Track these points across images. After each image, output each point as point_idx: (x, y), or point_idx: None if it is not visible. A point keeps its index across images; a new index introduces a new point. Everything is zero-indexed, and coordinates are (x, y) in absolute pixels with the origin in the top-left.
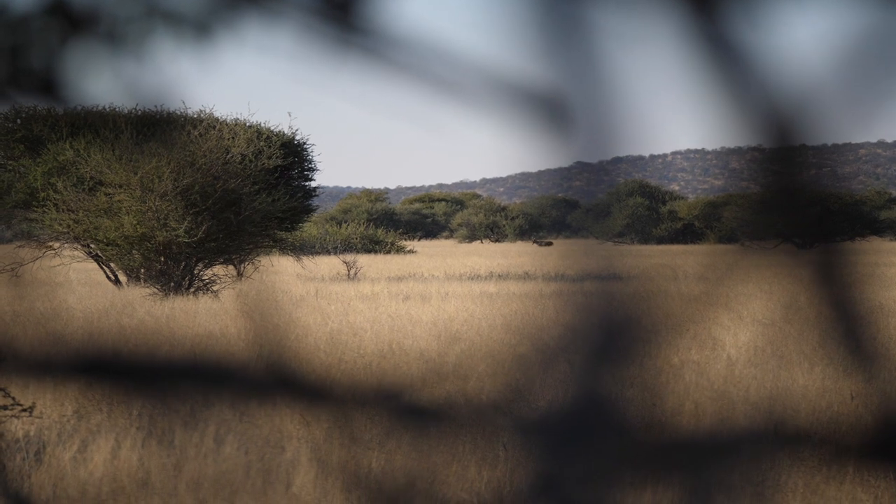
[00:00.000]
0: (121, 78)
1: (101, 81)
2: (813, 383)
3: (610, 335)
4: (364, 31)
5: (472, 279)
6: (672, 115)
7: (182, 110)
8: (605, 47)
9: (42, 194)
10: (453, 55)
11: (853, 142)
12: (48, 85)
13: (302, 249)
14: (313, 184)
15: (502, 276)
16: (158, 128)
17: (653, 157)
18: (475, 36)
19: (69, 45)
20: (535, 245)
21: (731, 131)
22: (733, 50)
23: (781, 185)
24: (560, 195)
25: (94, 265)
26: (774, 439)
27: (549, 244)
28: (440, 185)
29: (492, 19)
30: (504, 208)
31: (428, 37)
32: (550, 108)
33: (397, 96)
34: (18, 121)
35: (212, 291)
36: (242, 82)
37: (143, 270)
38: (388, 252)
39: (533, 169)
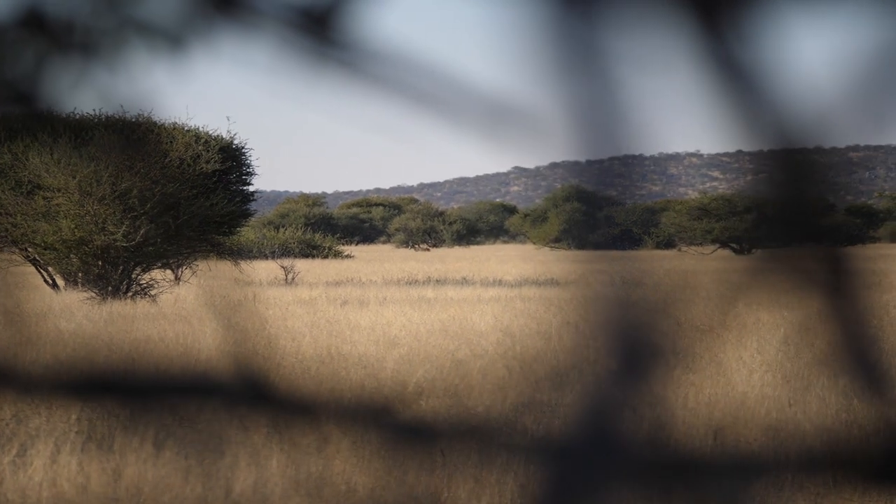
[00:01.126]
0: (95, 88)
1: (75, 92)
2: (819, 402)
3: (543, 341)
4: (342, 45)
5: (410, 284)
6: (683, 135)
7: (120, 114)
8: (611, 67)
9: None
10: (431, 68)
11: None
12: (22, 96)
13: (240, 254)
14: (251, 188)
15: (440, 282)
16: (97, 132)
17: (589, 162)
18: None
19: (43, 56)
20: (413, 251)
21: (750, 162)
22: (744, 71)
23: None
24: (498, 200)
25: (32, 269)
26: (784, 461)
27: (427, 250)
28: (377, 190)
29: (501, 43)
30: (441, 213)
31: (406, 49)
32: (531, 119)
33: (374, 109)
34: None
35: (150, 296)
36: (218, 93)
37: (80, 275)
38: (326, 257)
39: (471, 174)
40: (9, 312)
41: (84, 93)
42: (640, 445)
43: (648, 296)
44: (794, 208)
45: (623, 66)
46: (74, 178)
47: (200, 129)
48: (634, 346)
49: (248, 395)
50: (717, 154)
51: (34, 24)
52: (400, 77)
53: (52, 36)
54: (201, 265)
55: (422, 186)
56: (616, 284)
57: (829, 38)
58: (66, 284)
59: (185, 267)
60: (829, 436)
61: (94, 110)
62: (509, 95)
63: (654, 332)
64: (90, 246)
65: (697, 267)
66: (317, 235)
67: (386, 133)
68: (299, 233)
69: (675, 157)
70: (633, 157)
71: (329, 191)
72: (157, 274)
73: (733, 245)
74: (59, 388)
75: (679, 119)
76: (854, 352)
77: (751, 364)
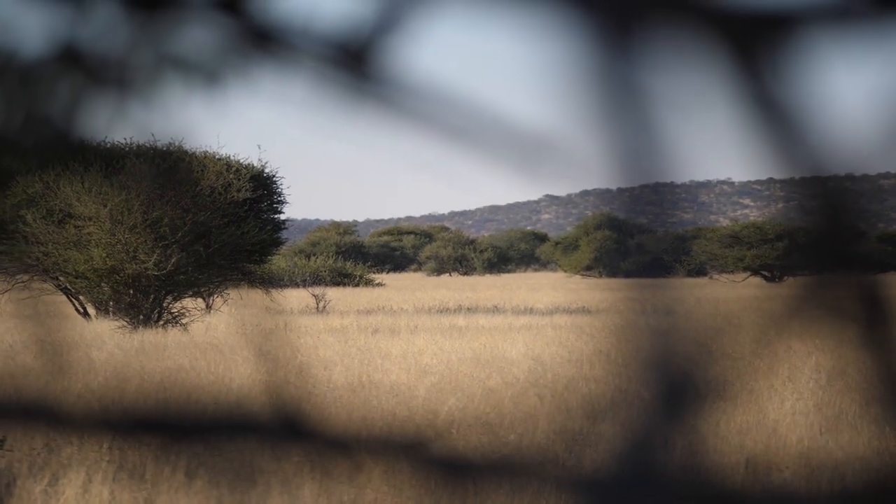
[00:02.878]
0: (131, 123)
1: (112, 126)
2: (851, 431)
3: (573, 369)
4: (378, 80)
5: (441, 312)
6: (714, 162)
7: (151, 143)
8: (647, 104)
9: (11, 227)
10: (464, 102)
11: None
12: (59, 132)
13: (271, 282)
14: (282, 216)
15: (471, 310)
16: (128, 160)
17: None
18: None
19: (80, 92)
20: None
21: (781, 189)
22: (781, 110)
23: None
24: (529, 228)
25: (64, 298)
26: (816, 490)
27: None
28: (409, 218)
29: (537, 79)
30: (472, 241)
31: (440, 85)
32: (563, 152)
33: (408, 142)
34: None
35: (181, 325)
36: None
37: (112, 303)
38: (357, 285)
39: (502, 202)
40: (41, 341)
41: (120, 127)
42: (671, 475)
43: (680, 324)
44: (826, 236)
45: (659, 103)
46: (106, 206)
47: (232, 157)
48: (667, 376)
49: (281, 424)
50: (749, 182)
51: (71, 59)
52: (434, 111)
53: (88, 71)
54: (232, 293)
55: (453, 214)
56: (648, 313)
57: (866, 74)
58: (97, 313)
59: (216, 295)
60: (861, 464)
61: (125, 139)
62: (541, 128)
63: (687, 362)
64: (121, 274)
65: (729, 295)
66: (348, 264)
67: (421, 167)
68: (330, 261)
69: (707, 185)
70: (664, 184)
71: (360, 219)
72: (188, 302)
73: (765, 273)
74: (90, 418)
75: (714, 152)
76: (886, 379)
77: (782, 392)
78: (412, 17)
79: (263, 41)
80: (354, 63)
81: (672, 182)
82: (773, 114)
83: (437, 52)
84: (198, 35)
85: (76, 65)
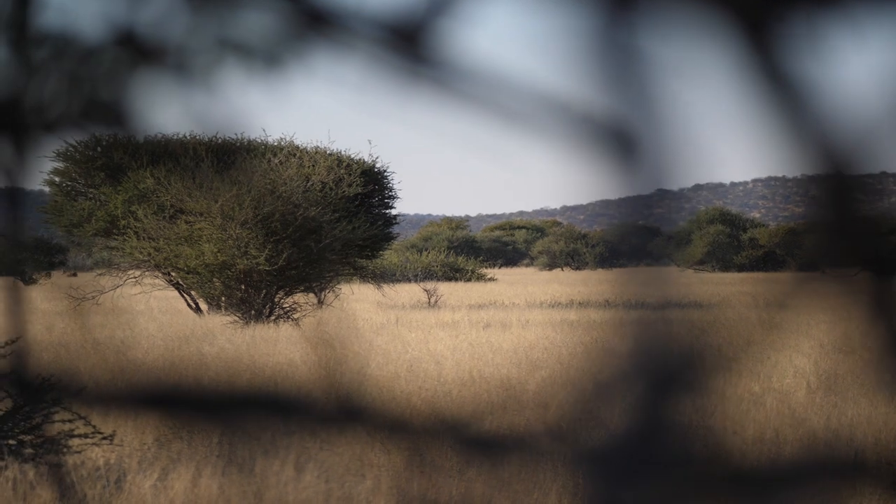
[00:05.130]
0: (190, 108)
1: (170, 112)
2: (868, 408)
3: (688, 363)
4: (433, 63)
5: (553, 307)
6: (729, 145)
7: (262, 138)
8: (662, 78)
9: (122, 222)
10: (520, 86)
11: None
12: (118, 116)
13: (382, 277)
14: (394, 211)
15: (583, 304)
16: (238, 156)
17: (733, 184)
18: (537, 67)
19: (138, 76)
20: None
21: (787, 163)
22: (790, 83)
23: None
24: (641, 222)
25: (175, 293)
26: (828, 466)
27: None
28: (521, 213)
29: (551, 52)
30: (584, 236)
31: (495, 68)
32: (615, 137)
33: (466, 126)
34: (99, 149)
35: (292, 319)
36: (312, 112)
37: (223, 298)
38: (469, 280)
39: (613, 196)
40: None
41: (178, 113)
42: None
43: (790, 318)
44: None
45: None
46: (217, 202)
47: (343, 152)
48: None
49: (388, 417)
50: (860, 176)
51: (129, 44)
52: (491, 95)
53: (146, 56)
54: (344, 288)
55: (565, 209)
56: (759, 307)
57: (874, 49)
58: (209, 309)
59: (327, 290)
60: (875, 440)
61: (235, 134)
62: (601, 114)
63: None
64: (233, 270)
65: (840, 289)
66: (460, 259)
67: (479, 152)
68: (442, 256)
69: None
70: (776, 178)
71: (472, 214)
72: (299, 297)
73: (877, 267)
74: (200, 411)
75: (722, 128)
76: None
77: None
78: None
79: (318, 23)
80: (407, 45)
81: (784, 176)
82: (782, 87)
83: (493, 33)
84: (255, 18)
85: (135, 50)
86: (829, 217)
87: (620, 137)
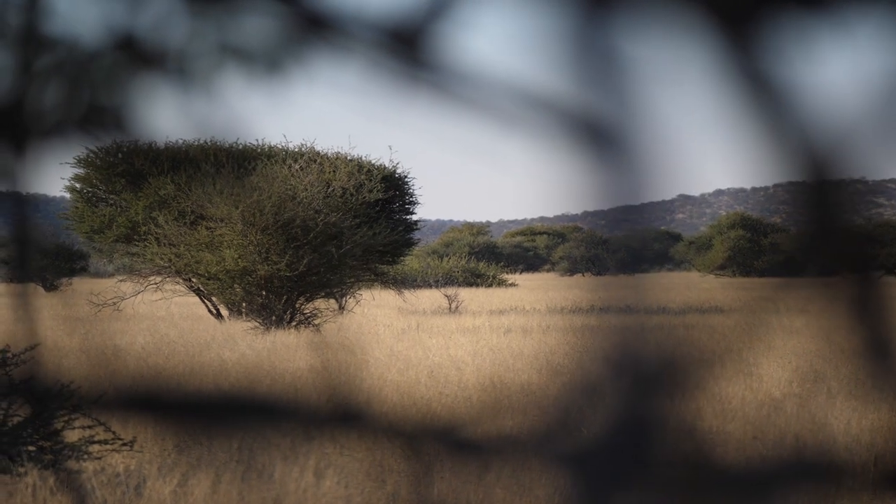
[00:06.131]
0: (191, 113)
1: (170, 117)
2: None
3: (705, 368)
4: (431, 66)
5: (574, 312)
6: (711, 149)
7: (283, 144)
8: (641, 78)
9: (143, 228)
10: (519, 90)
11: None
12: (118, 121)
13: (403, 283)
14: (414, 217)
15: (604, 309)
16: (259, 162)
17: (755, 189)
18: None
19: (139, 81)
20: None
21: (768, 167)
22: (769, 85)
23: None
24: (663, 228)
25: (196, 299)
26: (813, 465)
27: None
28: (542, 219)
29: (535, 52)
30: (605, 241)
31: (491, 71)
32: (595, 137)
33: (464, 130)
34: (120, 155)
35: (313, 325)
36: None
37: (244, 304)
38: (490, 285)
39: (635, 202)
40: (173, 343)
41: (179, 118)
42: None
43: (812, 323)
44: None
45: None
46: (237, 208)
47: (363, 158)
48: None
49: (408, 422)
50: (882, 180)
51: (129, 48)
52: (489, 99)
53: (147, 61)
54: (365, 294)
55: (586, 215)
56: (780, 312)
57: (853, 53)
58: (229, 314)
59: (348, 296)
60: (856, 441)
61: (256, 140)
62: (582, 113)
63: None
64: (254, 276)
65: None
66: (481, 264)
67: (477, 155)
68: (463, 261)
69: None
70: (797, 183)
71: (493, 220)
72: (320, 303)
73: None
74: (219, 417)
75: (700, 130)
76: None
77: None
78: (462, 2)
79: (318, 27)
80: (406, 49)
81: (804, 181)
82: (761, 88)
83: (492, 37)
84: (255, 23)
85: (135, 54)
86: (812, 222)
87: (601, 137)
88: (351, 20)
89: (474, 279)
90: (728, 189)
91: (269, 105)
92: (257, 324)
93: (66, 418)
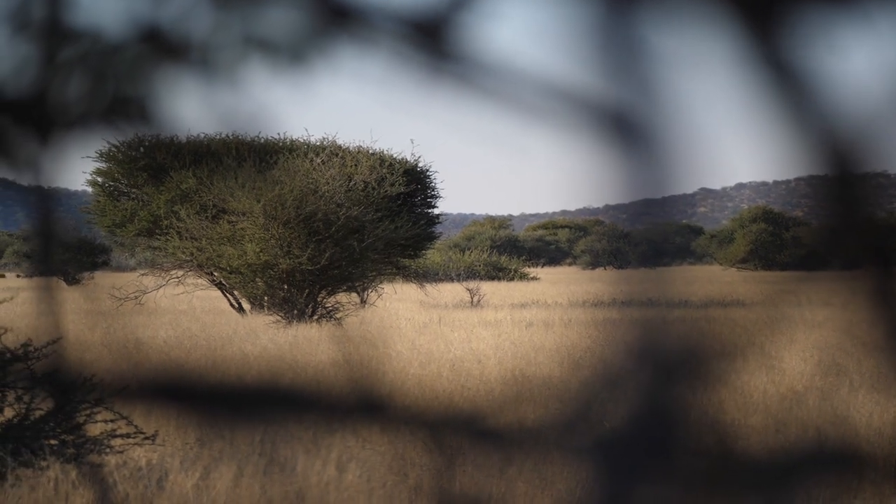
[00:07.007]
0: (214, 105)
1: (194, 108)
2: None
3: (728, 361)
4: (455, 58)
5: (596, 306)
6: (732, 142)
7: (305, 138)
8: (663, 72)
9: (165, 222)
10: (543, 82)
11: None
12: (142, 113)
13: (425, 276)
14: (436, 211)
15: (625, 303)
16: (281, 155)
17: (776, 182)
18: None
19: (162, 73)
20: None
21: (790, 160)
22: (792, 74)
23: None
24: (684, 221)
25: (218, 293)
26: (837, 456)
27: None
28: (563, 212)
29: (559, 43)
30: (627, 234)
31: (517, 63)
32: (620, 127)
33: (488, 121)
34: (141, 149)
35: (335, 319)
36: (336, 109)
37: (266, 298)
38: (512, 279)
39: (657, 196)
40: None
41: (203, 109)
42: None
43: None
44: None
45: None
46: (259, 201)
47: (385, 152)
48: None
49: (430, 415)
50: (864, 174)
51: (153, 40)
52: (512, 90)
53: (171, 52)
54: (386, 288)
55: (607, 208)
56: (802, 305)
57: (875, 45)
58: (251, 308)
59: (370, 290)
60: (878, 434)
61: (278, 134)
62: (607, 104)
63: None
64: (275, 269)
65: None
66: (503, 258)
67: (499, 148)
68: (485, 255)
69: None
70: (818, 176)
71: (515, 213)
72: (342, 297)
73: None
74: (243, 410)
75: (723, 116)
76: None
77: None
78: None
79: (342, 19)
80: (430, 40)
81: (826, 175)
82: (784, 79)
83: (517, 28)
84: (279, 15)
85: (159, 46)
86: (834, 216)
87: (624, 129)
88: (375, 12)
89: (496, 273)
90: (749, 183)
91: (292, 97)
92: (279, 317)
93: (88, 412)
